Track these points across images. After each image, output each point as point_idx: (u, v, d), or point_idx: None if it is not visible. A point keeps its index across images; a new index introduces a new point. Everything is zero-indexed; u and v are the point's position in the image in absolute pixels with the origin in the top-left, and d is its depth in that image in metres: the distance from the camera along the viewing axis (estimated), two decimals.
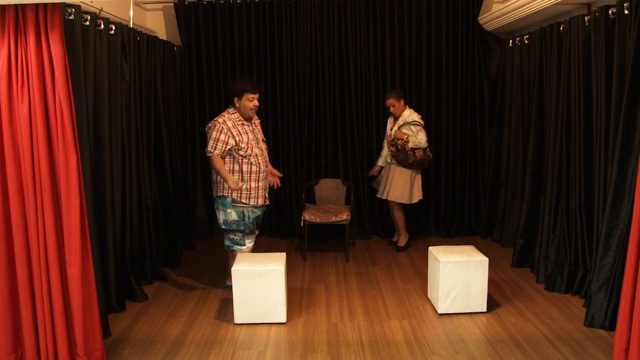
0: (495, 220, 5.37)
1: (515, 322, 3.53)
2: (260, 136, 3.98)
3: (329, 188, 5.36)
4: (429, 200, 5.48)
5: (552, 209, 4.14)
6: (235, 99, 3.80)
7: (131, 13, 4.39)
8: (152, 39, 4.41)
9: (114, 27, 3.61)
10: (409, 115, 4.80)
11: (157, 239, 4.55)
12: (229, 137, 3.72)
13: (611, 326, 3.28)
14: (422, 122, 4.81)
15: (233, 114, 3.82)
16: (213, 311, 3.78)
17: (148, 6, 5.38)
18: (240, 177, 3.79)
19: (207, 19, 5.27)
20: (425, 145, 4.73)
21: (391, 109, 4.85)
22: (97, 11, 3.60)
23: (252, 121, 3.93)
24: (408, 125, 4.75)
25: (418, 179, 4.91)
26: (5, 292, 2.76)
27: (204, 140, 5.38)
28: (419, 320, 3.58)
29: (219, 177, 3.81)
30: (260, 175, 3.86)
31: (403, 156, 4.71)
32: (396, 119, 4.88)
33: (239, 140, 3.74)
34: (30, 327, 2.82)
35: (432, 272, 3.81)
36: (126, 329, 3.50)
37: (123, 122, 3.82)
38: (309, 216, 4.80)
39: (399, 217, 5.06)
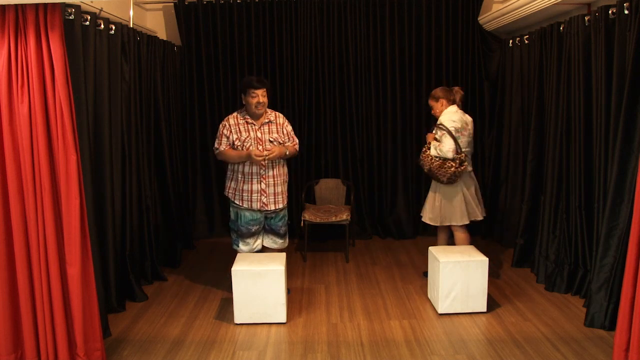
0: (495, 220, 5.37)
1: (515, 322, 3.53)
2: (270, 136, 3.78)
3: (329, 188, 5.36)
4: None
5: (552, 209, 4.14)
6: (242, 97, 3.79)
7: (131, 13, 4.39)
8: (152, 39, 4.41)
9: (114, 27, 3.61)
10: (443, 116, 4.01)
11: (157, 239, 4.55)
12: (229, 132, 3.77)
13: (611, 326, 3.28)
14: (453, 127, 3.88)
15: (240, 112, 3.84)
16: (213, 311, 3.78)
17: (148, 6, 5.38)
18: (240, 177, 3.78)
19: (207, 19, 5.27)
20: (449, 155, 3.84)
21: (432, 111, 4.12)
22: (97, 11, 3.60)
23: (262, 120, 3.78)
24: (436, 129, 4.02)
25: (467, 192, 4.06)
26: (5, 292, 2.76)
27: (204, 140, 5.44)
28: (419, 320, 3.58)
29: (227, 174, 3.90)
30: (254, 178, 3.76)
31: (422, 165, 4.08)
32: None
33: (235, 138, 3.75)
34: (30, 327, 2.82)
35: (432, 272, 3.81)
36: (126, 329, 3.50)
37: (123, 122, 3.82)
38: (309, 216, 4.80)
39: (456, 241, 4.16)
